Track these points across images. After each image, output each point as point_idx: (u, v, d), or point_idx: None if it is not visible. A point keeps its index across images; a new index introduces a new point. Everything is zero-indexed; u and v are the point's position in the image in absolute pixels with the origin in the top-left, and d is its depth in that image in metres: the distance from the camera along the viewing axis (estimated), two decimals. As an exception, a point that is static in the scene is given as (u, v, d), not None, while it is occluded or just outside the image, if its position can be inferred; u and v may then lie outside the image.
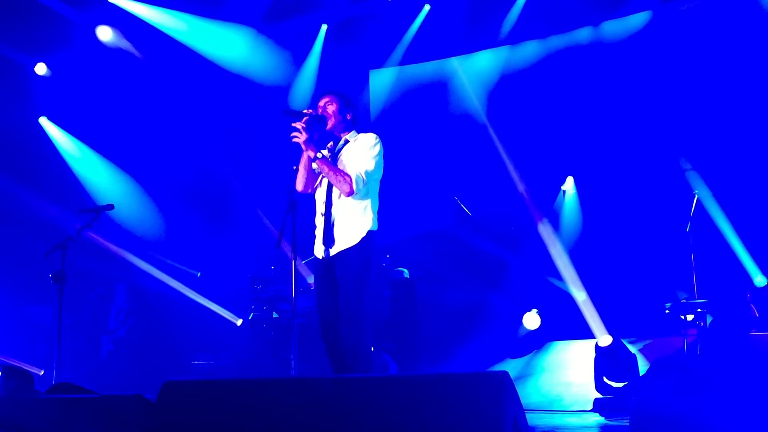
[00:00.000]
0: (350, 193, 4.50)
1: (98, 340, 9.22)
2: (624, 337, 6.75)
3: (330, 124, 4.76)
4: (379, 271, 8.16)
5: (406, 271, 8.06)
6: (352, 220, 4.55)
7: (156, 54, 9.29)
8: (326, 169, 4.55)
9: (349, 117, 4.80)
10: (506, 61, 9.17)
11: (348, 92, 4.98)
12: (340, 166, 4.62)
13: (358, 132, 4.79)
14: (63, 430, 3.19)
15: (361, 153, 4.61)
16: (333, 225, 4.58)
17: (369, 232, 4.55)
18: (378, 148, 4.64)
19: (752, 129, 7.53)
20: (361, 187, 4.52)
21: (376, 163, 4.61)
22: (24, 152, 9.35)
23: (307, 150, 4.56)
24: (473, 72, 9.34)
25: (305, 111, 4.71)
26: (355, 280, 4.48)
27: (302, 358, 4.71)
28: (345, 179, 4.51)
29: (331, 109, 4.77)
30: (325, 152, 4.60)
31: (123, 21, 9.05)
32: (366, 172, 4.54)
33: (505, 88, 9.08)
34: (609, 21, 8.60)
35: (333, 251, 4.56)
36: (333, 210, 4.58)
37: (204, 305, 8.96)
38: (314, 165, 4.59)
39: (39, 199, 8.99)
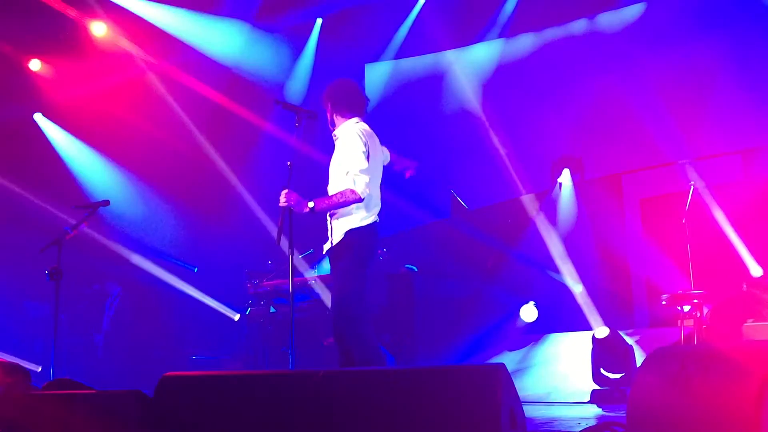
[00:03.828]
0: (360, 198, 4.48)
1: (95, 336, 9.22)
2: (621, 329, 6.77)
3: (331, 128, 4.81)
4: (376, 265, 8.16)
5: (414, 268, 8.02)
6: (341, 217, 4.59)
7: (151, 49, 9.26)
8: (326, 207, 4.55)
9: (330, 111, 4.77)
10: (502, 53, 9.16)
11: (333, 82, 4.89)
12: (333, 166, 4.67)
13: (360, 114, 4.77)
14: (61, 426, 3.19)
15: (347, 154, 4.57)
16: (328, 222, 4.66)
17: (357, 228, 4.55)
18: (358, 142, 4.55)
19: (749, 120, 7.53)
20: (364, 187, 4.48)
21: (366, 156, 4.53)
22: (19, 149, 9.34)
23: (298, 210, 4.55)
24: (469, 65, 9.33)
25: (300, 109, 4.75)
26: (341, 276, 4.55)
27: (299, 352, 4.72)
28: (346, 197, 4.49)
29: (328, 113, 4.82)
30: (311, 204, 4.54)
31: (117, 16, 9.01)
32: (361, 171, 4.50)
33: (500, 81, 9.07)
34: (604, 13, 8.59)
35: (326, 247, 4.67)
36: (333, 209, 4.62)
37: (201, 300, 8.95)
38: (311, 203, 4.56)
39: (34, 196, 8.98)
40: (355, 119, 4.73)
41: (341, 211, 4.57)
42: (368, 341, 4.44)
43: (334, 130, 4.79)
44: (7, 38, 8.85)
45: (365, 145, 4.55)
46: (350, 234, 4.55)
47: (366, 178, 4.50)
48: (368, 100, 4.90)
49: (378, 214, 4.69)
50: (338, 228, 4.58)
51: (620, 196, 8.41)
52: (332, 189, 4.65)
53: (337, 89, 4.80)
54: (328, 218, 4.64)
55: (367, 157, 4.53)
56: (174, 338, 8.99)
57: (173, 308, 9.07)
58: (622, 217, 8.30)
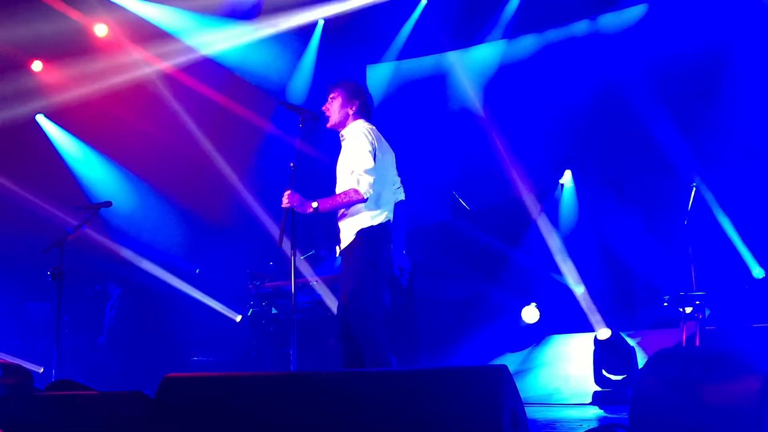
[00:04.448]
0: (363, 198, 4.44)
1: (96, 337, 9.23)
2: (623, 330, 6.77)
3: (330, 122, 4.72)
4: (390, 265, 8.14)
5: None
6: (348, 217, 4.57)
7: (153, 51, 9.26)
8: (330, 206, 4.52)
9: (351, 110, 4.67)
10: (503, 55, 9.16)
11: (348, 79, 4.85)
12: (340, 166, 4.63)
13: (368, 120, 4.72)
14: (62, 427, 3.19)
15: (352, 153, 4.52)
16: (339, 224, 4.65)
17: (368, 228, 4.52)
18: (364, 141, 4.51)
19: (750, 121, 7.53)
20: (367, 186, 4.43)
21: (372, 156, 4.49)
22: (21, 150, 9.34)
23: (302, 210, 4.52)
24: (470, 66, 9.33)
25: (303, 110, 4.74)
26: (354, 276, 4.50)
27: (301, 353, 4.71)
28: (350, 197, 4.45)
29: (334, 105, 4.70)
30: (315, 204, 4.52)
31: (120, 18, 9.02)
32: (366, 170, 4.46)
33: (502, 82, 9.06)
34: (606, 14, 8.59)
35: (339, 249, 4.65)
36: (338, 209, 4.61)
37: (203, 301, 8.96)
38: (315, 204, 4.53)
39: (36, 197, 8.98)
40: (362, 120, 4.71)
41: (350, 211, 4.54)
42: (379, 342, 4.42)
43: (340, 129, 4.76)
44: (10, 39, 8.85)
45: (372, 144, 4.51)
46: (361, 234, 4.52)
47: (370, 178, 4.45)
48: (374, 106, 4.90)
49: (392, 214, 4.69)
50: (349, 229, 4.56)
51: (622, 197, 8.40)
52: (339, 189, 4.62)
53: (355, 87, 4.75)
54: (338, 220, 4.64)
55: (374, 157, 4.50)
56: (175, 339, 8.98)
57: (175, 309, 9.06)
58: (623, 218, 8.30)
